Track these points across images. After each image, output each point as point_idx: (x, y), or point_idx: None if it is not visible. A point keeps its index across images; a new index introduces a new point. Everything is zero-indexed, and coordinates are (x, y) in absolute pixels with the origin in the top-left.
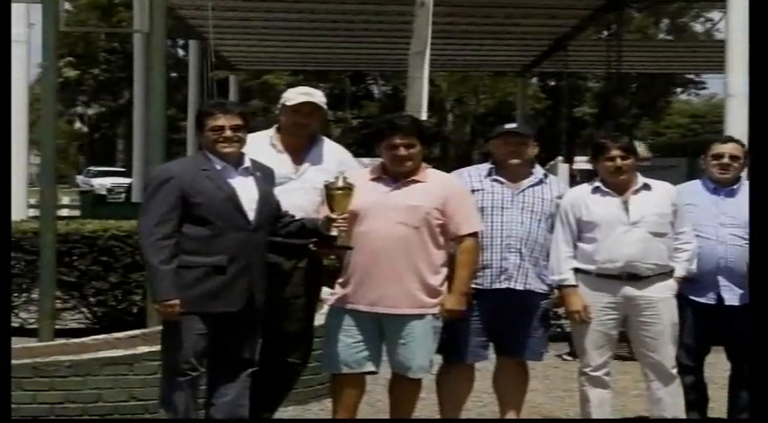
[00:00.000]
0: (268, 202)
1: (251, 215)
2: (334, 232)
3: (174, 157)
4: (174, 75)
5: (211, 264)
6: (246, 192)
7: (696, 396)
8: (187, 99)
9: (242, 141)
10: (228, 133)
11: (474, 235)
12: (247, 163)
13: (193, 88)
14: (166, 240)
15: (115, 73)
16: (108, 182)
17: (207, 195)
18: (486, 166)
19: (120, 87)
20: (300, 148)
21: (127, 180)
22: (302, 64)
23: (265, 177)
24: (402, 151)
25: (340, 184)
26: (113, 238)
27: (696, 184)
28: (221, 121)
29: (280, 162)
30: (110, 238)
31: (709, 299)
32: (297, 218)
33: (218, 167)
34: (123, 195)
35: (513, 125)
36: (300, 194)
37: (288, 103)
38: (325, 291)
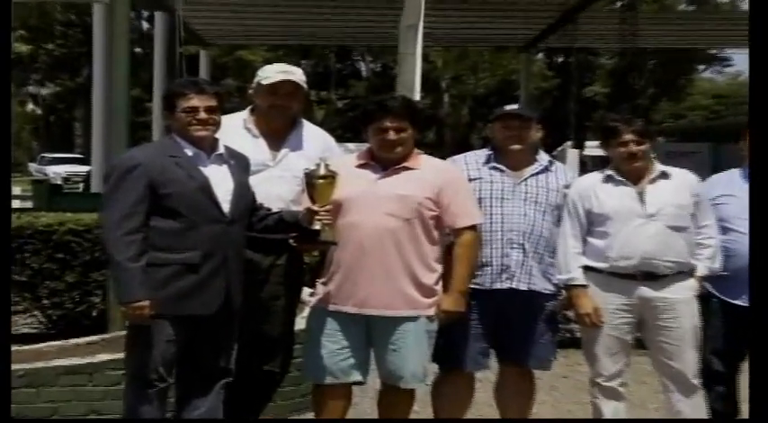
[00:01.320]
0: (244, 193)
1: (226, 207)
2: (316, 226)
3: (138, 143)
4: (138, 50)
5: (183, 261)
6: (221, 181)
7: (725, 408)
8: (153, 78)
9: (217, 125)
10: (203, 115)
11: (473, 228)
12: (221, 149)
13: (160, 66)
14: (133, 235)
15: (73, 48)
16: (64, 170)
17: (178, 185)
18: (484, 153)
19: (79, 64)
20: (278, 132)
21: (85, 168)
22: (282, 38)
23: (240, 165)
24: (392, 135)
25: (322, 171)
26: (70, 233)
27: (733, 174)
28: (194, 101)
29: (255, 148)
30: (66, 232)
31: (743, 300)
32: (274, 210)
33: (190, 154)
34: (81, 185)
35: (515, 106)
36: (278, 183)
37: (264, 82)
38: (307, 291)
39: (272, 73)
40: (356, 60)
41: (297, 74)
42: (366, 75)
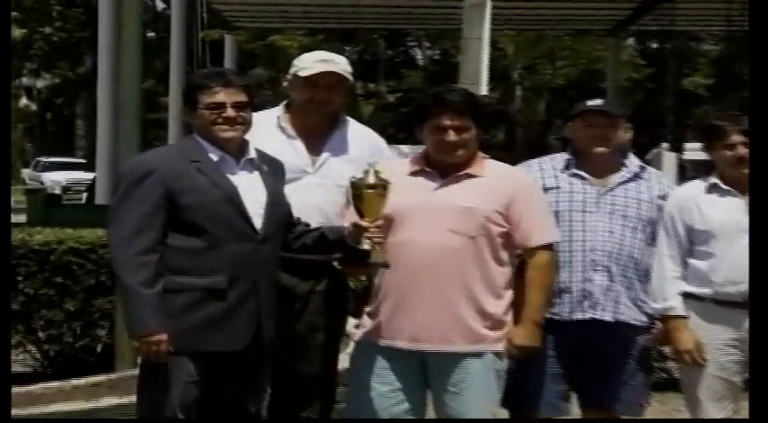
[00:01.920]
0: (279, 205)
1: (257, 222)
2: (364, 245)
3: (152, 145)
4: (151, 35)
5: (206, 286)
6: (252, 191)
7: None
8: (168, 68)
9: (246, 124)
10: (230, 113)
11: (548, 247)
12: (252, 153)
13: (177, 53)
14: (147, 255)
15: (73, 32)
16: (64, 177)
17: (200, 195)
18: (563, 157)
19: (80, 51)
20: (318, 132)
21: (88, 175)
22: (321, 20)
23: (274, 172)
24: (451, 136)
25: (371, 180)
26: (71, 253)
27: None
28: (221, 96)
29: (291, 151)
30: (66, 252)
31: None
32: (314, 226)
33: (215, 158)
34: (84, 195)
35: (600, 101)
36: (318, 193)
37: (301, 74)
38: (352, 322)
39: (310, 62)
40: (411, 46)
41: (340, 63)
42: (422, 63)
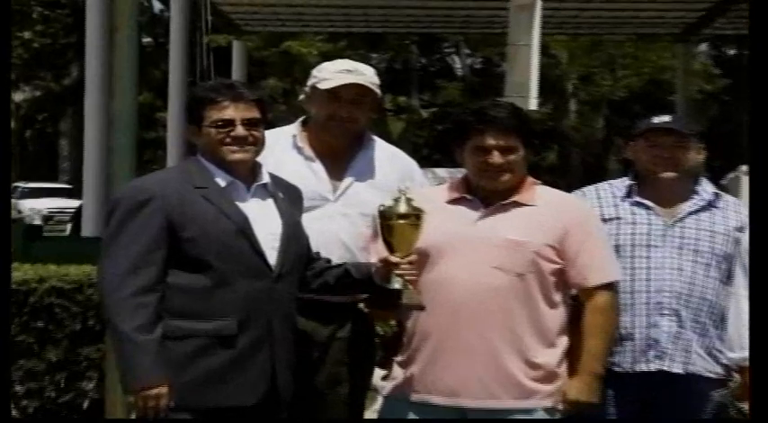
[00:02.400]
0: (296, 238)
1: (272, 257)
2: (395, 284)
3: (149, 168)
4: (148, 40)
5: (213, 332)
6: (265, 221)
7: None
8: (168, 78)
9: (259, 144)
10: (240, 131)
11: (609, 287)
12: (265, 177)
13: (178, 61)
14: (145, 296)
15: (57, 37)
16: (45, 205)
17: (206, 226)
18: (624, 182)
19: (65, 60)
20: (341, 153)
21: (74, 203)
22: (344, 24)
23: (291, 200)
24: (496, 158)
25: (403, 208)
26: (54, 293)
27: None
28: (229, 112)
29: (310, 175)
30: (48, 292)
31: None
32: (336, 262)
33: (222, 184)
34: (69, 226)
35: (667, 118)
36: (341, 224)
37: (322, 86)
38: (379, 373)
39: (331, 73)
40: (448, 53)
41: (366, 74)
42: (461, 73)
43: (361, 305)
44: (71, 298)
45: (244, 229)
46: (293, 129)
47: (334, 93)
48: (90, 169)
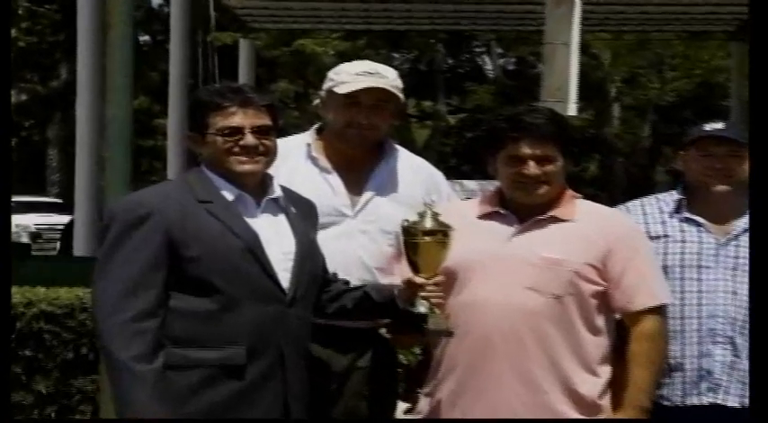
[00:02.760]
0: (311, 257)
1: (284, 278)
2: (420, 308)
3: (146, 180)
4: (145, 38)
5: (220, 361)
6: (277, 239)
7: None
8: (167, 81)
9: (270, 154)
10: (250, 139)
11: (657, 312)
12: (277, 191)
13: (178, 62)
14: (144, 321)
15: (45, 35)
16: (32, 221)
17: (211, 244)
18: (673, 196)
19: (54, 60)
20: (360, 164)
21: (64, 218)
22: (363, 20)
23: (305, 215)
24: (532, 168)
25: (429, 224)
26: (43, 318)
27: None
28: (237, 119)
29: (325, 188)
30: (37, 317)
31: None
32: (355, 284)
33: (230, 197)
34: (58, 244)
35: (721, 125)
36: (360, 242)
37: (340, 90)
38: (402, 407)
39: (350, 75)
40: (478, 53)
41: (389, 77)
42: (493, 75)
43: (383, 331)
44: (62, 324)
45: (253, 248)
46: (307, 137)
47: (353, 97)
48: (81, 181)
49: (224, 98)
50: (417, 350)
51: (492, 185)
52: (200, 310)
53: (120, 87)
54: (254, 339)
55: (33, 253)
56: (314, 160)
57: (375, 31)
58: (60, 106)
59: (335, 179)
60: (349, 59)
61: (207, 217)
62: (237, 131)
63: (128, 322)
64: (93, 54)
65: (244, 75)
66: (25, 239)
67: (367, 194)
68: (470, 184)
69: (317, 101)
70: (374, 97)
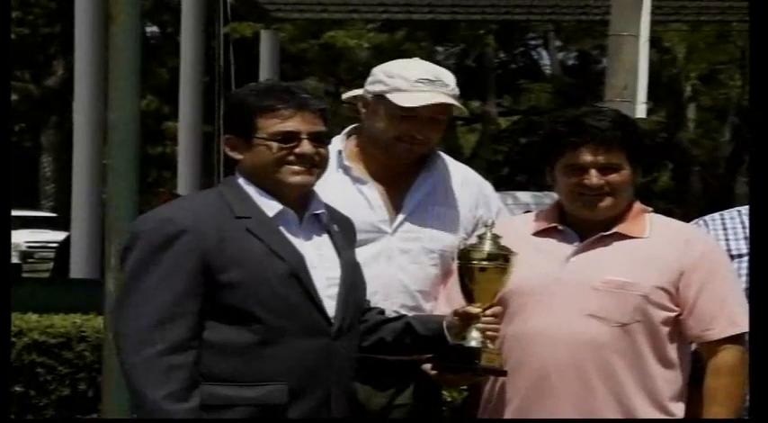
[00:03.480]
0: (358, 284)
1: (330, 307)
2: (471, 341)
3: (152, 193)
4: (153, 30)
5: (259, 400)
6: (322, 262)
7: None
8: (178, 78)
9: (324, 164)
10: (307, 147)
11: (738, 341)
12: (320, 206)
13: (190, 56)
14: (177, 355)
15: (39, 27)
16: (24, 239)
17: (252, 268)
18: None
19: (49, 55)
20: (399, 174)
21: (59, 235)
22: (402, 10)
23: (346, 235)
24: (594, 178)
25: (488, 248)
26: (35, 350)
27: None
28: (294, 123)
29: (361, 201)
30: (29, 348)
31: None
32: (394, 313)
33: (270, 214)
34: (52, 265)
35: None
36: (401, 264)
37: (396, 100)
38: None
39: (409, 83)
40: (534, 47)
41: (450, 84)
42: (551, 72)
43: (426, 367)
44: (57, 356)
45: (298, 272)
46: (338, 142)
47: (411, 110)
48: (80, 194)
49: (279, 100)
50: (464, 387)
51: (549, 198)
52: (237, 342)
53: (125, 86)
54: (298, 376)
55: (24, 275)
56: (347, 170)
57: (416, 22)
58: (56, 108)
59: (372, 191)
60: (386, 54)
61: (247, 236)
62: (294, 137)
63: (159, 356)
64: (93, 48)
65: (266, 71)
66: (15, 259)
67: (408, 209)
68: (524, 196)
69: (347, 94)
70: (435, 110)
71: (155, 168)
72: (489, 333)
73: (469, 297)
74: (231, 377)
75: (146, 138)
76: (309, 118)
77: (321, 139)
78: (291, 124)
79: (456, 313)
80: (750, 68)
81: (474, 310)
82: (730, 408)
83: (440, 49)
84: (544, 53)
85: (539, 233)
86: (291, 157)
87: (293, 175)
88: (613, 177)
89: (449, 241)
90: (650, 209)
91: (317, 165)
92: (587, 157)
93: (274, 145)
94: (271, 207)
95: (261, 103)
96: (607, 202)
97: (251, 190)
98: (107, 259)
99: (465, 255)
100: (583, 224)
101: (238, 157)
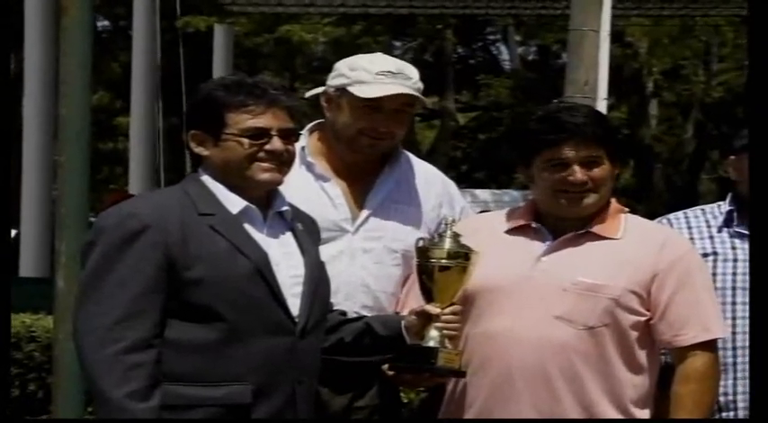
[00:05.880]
0: (323, 283)
1: (295, 305)
2: (430, 341)
3: (103, 190)
4: (104, 23)
5: (223, 400)
6: (287, 260)
7: None
8: (130, 72)
9: (292, 163)
10: (278, 144)
11: (709, 347)
12: (284, 204)
13: (142, 51)
14: (140, 353)
15: None
16: None
17: (216, 266)
18: (722, 208)
19: None
20: (363, 171)
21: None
22: (359, 3)
23: (310, 233)
24: (578, 174)
25: (449, 245)
26: None
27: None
28: (266, 119)
29: (323, 199)
30: None
31: None
32: (354, 313)
33: (233, 210)
34: None
35: None
36: (363, 263)
37: (359, 93)
38: None
39: (370, 75)
40: (493, 42)
41: (413, 77)
42: (511, 67)
43: (385, 368)
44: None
45: (263, 271)
46: (301, 138)
47: (374, 102)
48: (29, 190)
49: (250, 95)
50: (423, 390)
51: (509, 196)
52: (200, 341)
53: (76, 81)
54: (263, 376)
55: None
56: (309, 166)
57: (373, 15)
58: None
59: (334, 188)
60: (343, 49)
61: (210, 233)
62: (265, 134)
63: (121, 355)
64: (43, 42)
65: (219, 66)
66: None
67: (370, 207)
68: (483, 193)
69: (311, 92)
70: (398, 103)
71: (106, 164)
72: (448, 332)
73: (429, 296)
74: (194, 377)
75: (97, 133)
76: (280, 114)
77: (291, 136)
78: (262, 120)
79: (414, 312)
80: (750, 68)
81: (433, 309)
82: (698, 415)
83: (397, 43)
84: (504, 48)
85: (512, 231)
86: (262, 154)
87: (263, 172)
88: (596, 172)
89: (412, 240)
90: (627, 209)
91: (285, 162)
92: (570, 153)
93: (245, 141)
94: (235, 204)
95: (231, 99)
96: (591, 198)
97: (215, 186)
98: (58, 257)
99: (424, 253)
100: (557, 222)
101: (205, 152)
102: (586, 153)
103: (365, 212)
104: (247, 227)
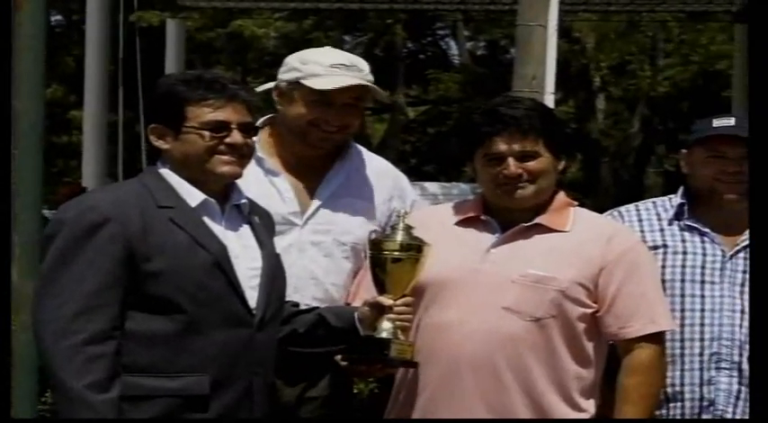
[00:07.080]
0: (279, 275)
1: (253, 298)
2: (382, 333)
3: (58, 183)
4: (58, 18)
5: (181, 391)
6: (244, 252)
7: None
8: (83, 67)
9: (251, 156)
10: (237, 137)
11: (655, 340)
12: (242, 198)
13: (96, 45)
14: (100, 344)
15: None
16: None
17: (175, 258)
18: (673, 201)
19: None
20: (314, 165)
21: None
22: None
23: (267, 226)
24: (512, 167)
25: (401, 238)
26: None
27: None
28: (226, 113)
29: (273, 193)
30: None
31: None
32: (306, 305)
33: (192, 203)
34: None
35: (731, 121)
36: (313, 256)
37: (311, 84)
38: None
39: (322, 67)
40: (442, 37)
41: (364, 70)
42: (460, 61)
43: (337, 359)
44: None
45: (221, 263)
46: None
47: (326, 94)
48: None
49: (210, 90)
50: (372, 381)
51: (458, 189)
52: (159, 332)
53: (30, 75)
54: (220, 368)
55: None
56: (259, 161)
57: (324, 11)
58: None
59: (283, 183)
60: (294, 43)
61: (170, 226)
62: (225, 127)
63: (81, 346)
64: None
65: (172, 60)
66: None
67: (320, 199)
68: (432, 186)
69: (263, 87)
70: (350, 95)
71: (61, 157)
72: (401, 324)
73: (381, 288)
74: (153, 368)
75: (51, 127)
76: (239, 109)
77: (250, 130)
78: (222, 114)
79: (367, 304)
80: (750, 68)
81: (385, 300)
82: (643, 407)
83: (348, 38)
84: (453, 43)
85: (461, 223)
86: (222, 147)
87: (223, 165)
88: (531, 165)
89: (361, 234)
90: (576, 203)
91: (245, 155)
92: (502, 146)
93: (206, 134)
94: (194, 197)
95: (192, 93)
96: (528, 190)
97: (174, 179)
98: (12, 250)
99: (377, 245)
100: (506, 215)
101: (165, 146)
102: (521, 146)
103: (314, 206)
104: (206, 220)
